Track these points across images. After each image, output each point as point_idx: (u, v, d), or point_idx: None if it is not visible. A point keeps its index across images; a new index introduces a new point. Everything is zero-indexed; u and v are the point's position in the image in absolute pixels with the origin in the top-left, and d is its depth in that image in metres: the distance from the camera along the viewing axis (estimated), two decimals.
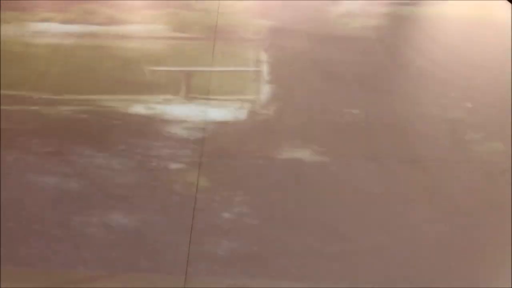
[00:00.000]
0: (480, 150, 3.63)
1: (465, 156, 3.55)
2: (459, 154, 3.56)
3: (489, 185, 3.28)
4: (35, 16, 5.81)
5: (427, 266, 2.66)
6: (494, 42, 5.30)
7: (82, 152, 3.28)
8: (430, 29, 5.86)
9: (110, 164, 3.13)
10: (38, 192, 3.12)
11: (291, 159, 3.39)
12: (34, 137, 3.39)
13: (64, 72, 4.58)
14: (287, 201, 3.06)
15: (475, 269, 2.74)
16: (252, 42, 5.06)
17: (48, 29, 5.51)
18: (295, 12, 5.87)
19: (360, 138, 3.61)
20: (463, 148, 3.60)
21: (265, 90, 3.93)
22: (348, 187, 3.16)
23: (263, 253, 2.69)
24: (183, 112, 3.80)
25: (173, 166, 3.15)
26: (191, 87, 4.15)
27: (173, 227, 2.87)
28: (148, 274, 2.60)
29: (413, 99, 4.21)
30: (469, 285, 2.58)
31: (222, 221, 2.90)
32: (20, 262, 2.66)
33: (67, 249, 2.72)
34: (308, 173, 3.28)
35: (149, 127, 3.48)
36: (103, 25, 5.61)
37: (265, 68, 4.25)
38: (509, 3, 5.50)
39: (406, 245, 2.79)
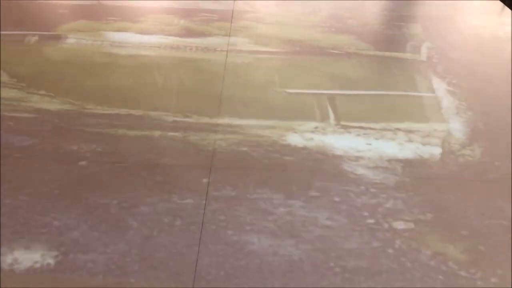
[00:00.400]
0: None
1: None
2: None
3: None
4: (110, 25, 4.83)
5: None
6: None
7: (270, 198, 2.26)
8: None
9: (316, 219, 2.29)
10: (249, 258, 2.31)
11: None
12: (201, 175, 2.33)
13: (167, 87, 3.74)
14: None
15: None
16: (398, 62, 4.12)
17: (127, 40, 4.57)
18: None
19: None
20: None
21: (455, 123, 2.92)
22: None
23: None
24: (347, 145, 3.13)
25: (398, 225, 2.38)
26: (338, 113, 3.31)
27: None
28: None
29: None
30: None
31: None
32: None
33: None
34: None
35: (325, 165, 2.63)
36: (182, 36, 4.68)
37: (445, 95, 3.21)
38: None
39: None
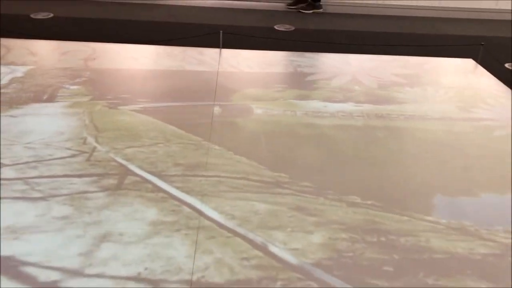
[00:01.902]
0: None
1: None
2: None
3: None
4: (286, 93, 3.51)
5: None
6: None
7: None
8: None
9: None
10: None
11: None
12: None
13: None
14: None
15: None
16: None
17: (319, 108, 3.29)
18: None
19: None
20: None
21: None
22: None
23: None
24: None
25: None
26: None
27: None
28: None
29: None
30: None
31: None
32: None
33: None
34: None
35: None
36: (373, 103, 3.41)
37: None
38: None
39: None
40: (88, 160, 2.40)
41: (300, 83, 3.67)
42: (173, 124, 2.86)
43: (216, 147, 2.65)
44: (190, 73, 3.69)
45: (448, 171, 2.59)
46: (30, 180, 2.23)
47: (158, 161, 2.45)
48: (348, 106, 3.33)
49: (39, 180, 2.23)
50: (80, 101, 3.09)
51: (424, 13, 5.80)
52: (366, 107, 3.33)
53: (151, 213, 2.04)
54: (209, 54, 4.02)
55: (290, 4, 5.76)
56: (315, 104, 3.33)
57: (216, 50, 4.10)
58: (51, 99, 3.11)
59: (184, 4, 5.59)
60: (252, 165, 2.50)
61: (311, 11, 5.64)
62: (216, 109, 3.13)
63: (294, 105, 3.29)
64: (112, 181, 2.23)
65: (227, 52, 4.10)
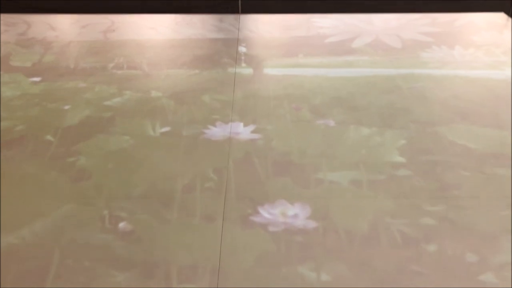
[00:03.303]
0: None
1: None
2: None
3: None
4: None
5: None
6: None
7: None
8: None
9: None
10: None
11: None
12: None
13: None
14: None
15: None
16: None
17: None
18: None
19: None
20: None
21: None
22: None
23: None
24: None
25: None
26: None
27: None
28: None
29: None
30: None
31: None
32: None
33: None
34: None
35: None
36: (396, 65, 3.06)
37: None
38: None
39: None
40: None
41: (323, 46, 3.35)
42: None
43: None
44: (212, 41, 3.42)
45: None
46: None
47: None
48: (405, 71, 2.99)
49: None
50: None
51: None
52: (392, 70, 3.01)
53: None
54: (229, 21, 3.73)
55: None
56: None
57: (236, 16, 3.83)
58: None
59: None
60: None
61: None
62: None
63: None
64: None
65: (246, 18, 3.82)
